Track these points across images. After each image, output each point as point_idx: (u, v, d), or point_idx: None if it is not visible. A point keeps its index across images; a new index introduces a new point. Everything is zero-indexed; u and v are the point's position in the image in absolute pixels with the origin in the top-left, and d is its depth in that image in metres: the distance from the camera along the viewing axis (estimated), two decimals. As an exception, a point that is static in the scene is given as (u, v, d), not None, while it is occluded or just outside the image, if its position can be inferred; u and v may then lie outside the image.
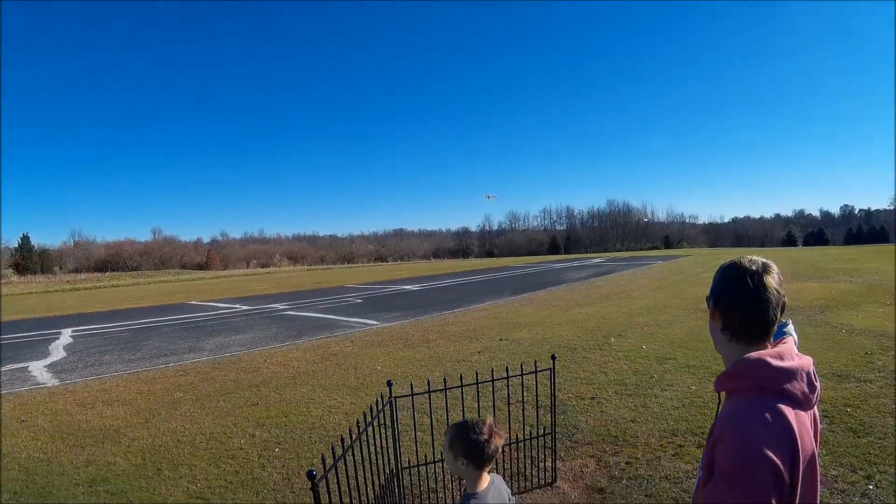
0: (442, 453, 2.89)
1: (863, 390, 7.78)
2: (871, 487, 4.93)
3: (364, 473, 3.93)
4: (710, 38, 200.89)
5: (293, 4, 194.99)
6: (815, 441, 1.74)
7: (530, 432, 5.88)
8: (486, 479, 2.74)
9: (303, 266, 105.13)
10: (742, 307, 1.76)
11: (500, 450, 2.82)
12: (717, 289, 1.85)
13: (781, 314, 1.81)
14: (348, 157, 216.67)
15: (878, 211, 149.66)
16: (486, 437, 2.66)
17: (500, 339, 13.09)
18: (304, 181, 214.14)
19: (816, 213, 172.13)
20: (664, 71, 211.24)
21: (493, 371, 5.48)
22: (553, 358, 5.48)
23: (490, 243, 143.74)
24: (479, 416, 3.00)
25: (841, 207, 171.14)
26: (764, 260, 1.81)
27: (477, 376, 5.17)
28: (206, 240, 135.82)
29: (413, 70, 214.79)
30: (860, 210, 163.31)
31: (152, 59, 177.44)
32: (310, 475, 2.81)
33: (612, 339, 12.36)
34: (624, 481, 5.37)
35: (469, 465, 2.67)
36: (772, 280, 1.75)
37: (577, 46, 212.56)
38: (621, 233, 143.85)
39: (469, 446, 2.65)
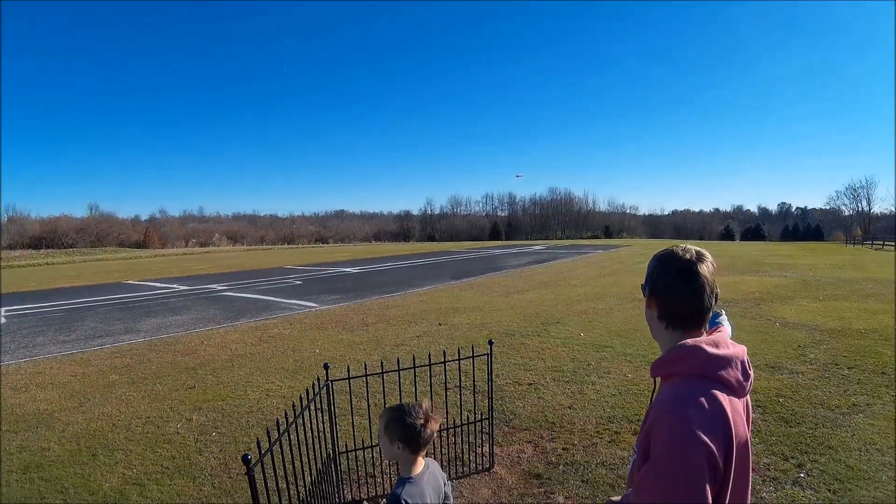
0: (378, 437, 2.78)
1: (795, 381, 8.04)
2: (802, 476, 5.11)
3: (301, 458, 3.89)
4: (660, 32, 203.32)
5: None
6: (748, 428, 1.75)
7: (468, 417, 5.96)
8: (421, 463, 2.74)
9: (242, 246, 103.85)
10: (677, 295, 1.79)
11: (436, 434, 2.83)
12: (653, 277, 1.88)
13: (716, 302, 1.84)
14: (290, 136, 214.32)
15: (813, 209, 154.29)
16: (421, 421, 2.66)
17: (440, 324, 13.21)
18: (244, 159, 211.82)
19: (755, 210, 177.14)
20: (608, 64, 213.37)
21: (430, 356, 5.51)
22: (490, 343, 5.56)
23: (432, 227, 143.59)
24: (416, 400, 2.99)
25: (779, 205, 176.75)
26: (697, 248, 1.85)
27: (414, 360, 5.20)
28: (144, 217, 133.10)
29: (356, 52, 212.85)
30: (797, 208, 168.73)
31: (90, 32, 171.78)
32: (244, 460, 2.77)
33: (551, 326, 12.55)
34: (561, 467, 5.46)
35: (404, 449, 2.66)
36: (705, 268, 1.79)
37: (519, 31, 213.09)
38: (562, 221, 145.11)
39: (405, 430, 2.64)
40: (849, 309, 14.10)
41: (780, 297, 16.29)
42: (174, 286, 25.80)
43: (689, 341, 1.74)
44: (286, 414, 3.71)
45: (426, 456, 2.86)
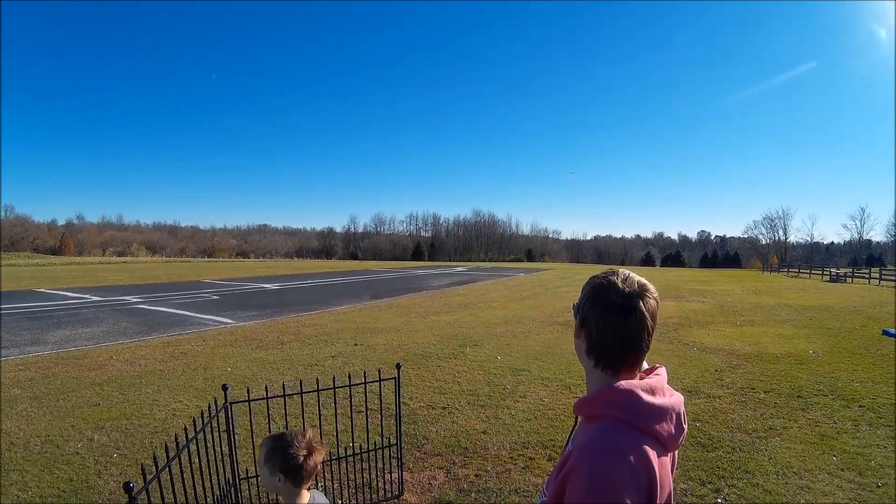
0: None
1: (712, 405, 8.27)
2: (719, 501, 5.20)
3: (201, 483, 3.83)
4: (584, 58, 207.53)
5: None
6: (671, 476, 1.59)
7: (376, 443, 5.78)
8: (305, 496, 2.57)
9: (161, 257, 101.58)
10: (611, 333, 1.57)
11: (320, 466, 2.64)
12: (586, 307, 1.63)
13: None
14: (214, 146, 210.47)
15: (732, 238, 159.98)
16: (304, 452, 2.49)
17: (356, 344, 13.19)
18: (166, 167, 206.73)
19: (675, 237, 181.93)
20: (532, 91, 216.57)
21: (334, 379, 5.49)
22: (398, 366, 5.57)
23: (355, 245, 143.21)
24: (300, 428, 2.85)
25: (698, 233, 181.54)
26: (640, 280, 1.63)
27: (318, 383, 5.11)
28: (61, 221, 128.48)
29: (280, 62, 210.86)
30: (716, 236, 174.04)
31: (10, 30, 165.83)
32: (126, 488, 2.51)
33: (468, 349, 12.64)
34: (473, 494, 5.41)
35: (286, 482, 2.49)
36: (649, 305, 1.58)
37: (447, 54, 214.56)
38: (486, 243, 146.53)
39: (286, 461, 2.46)
40: (765, 334, 14.73)
41: (697, 323, 16.86)
42: (87, 296, 25.08)
43: (623, 384, 1.55)
44: (176, 438, 3.59)
45: (311, 488, 2.66)
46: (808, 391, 9.05)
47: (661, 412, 1.53)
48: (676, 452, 1.68)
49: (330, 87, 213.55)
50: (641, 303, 1.56)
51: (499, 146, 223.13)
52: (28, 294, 26.39)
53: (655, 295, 1.62)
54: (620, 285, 1.58)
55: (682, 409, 1.63)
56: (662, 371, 1.71)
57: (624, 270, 1.65)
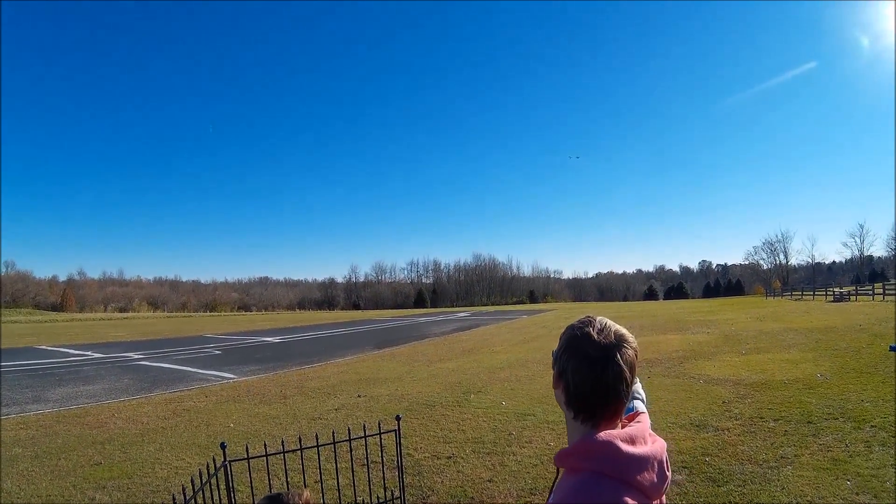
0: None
1: (721, 438, 8.13)
2: None
3: None
4: (577, 99, 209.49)
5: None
6: None
7: (379, 497, 5.76)
8: None
9: (163, 312, 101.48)
10: (588, 385, 1.54)
11: None
12: (563, 359, 1.61)
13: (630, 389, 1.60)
14: (214, 201, 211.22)
15: (733, 265, 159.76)
16: None
17: (359, 396, 13.10)
18: (167, 222, 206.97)
19: (676, 269, 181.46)
20: (526, 134, 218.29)
21: (334, 433, 5.41)
22: (398, 419, 5.53)
23: (356, 295, 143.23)
24: (298, 488, 2.68)
25: (699, 262, 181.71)
26: (617, 330, 1.60)
27: (317, 438, 5.09)
28: (62, 278, 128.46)
29: (278, 121, 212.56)
30: (717, 265, 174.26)
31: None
32: None
33: (472, 396, 12.51)
34: None
35: None
36: (626, 356, 1.55)
37: (445, 103, 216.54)
38: (487, 287, 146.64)
39: None
40: (771, 361, 14.58)
41: (702, 354, 16.73)
42: (88, 353, 25.05)
43: (602, 435, 1.51)
44: (174, 499, 3.51)
45: None
46: (818, 415, 8.95)
47: (642, 462, 1.50)
48: (664, 498, 1.64)
49: (326, 141, 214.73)
50: (618, 354, 1.53)
51: (496, 190, 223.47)
52: (29, 351, 26.43)
53: (634, 345, 1.59)
54: (596, 337, 1.56)
55: (665, 455, 1.59)
56: (644, 418, 1.70)
57: (601, 319, 1.63)
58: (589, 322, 1.61)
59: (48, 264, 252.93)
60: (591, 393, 1.54)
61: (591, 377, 1.52)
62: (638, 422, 1.65)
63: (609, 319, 1.64)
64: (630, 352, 1.56)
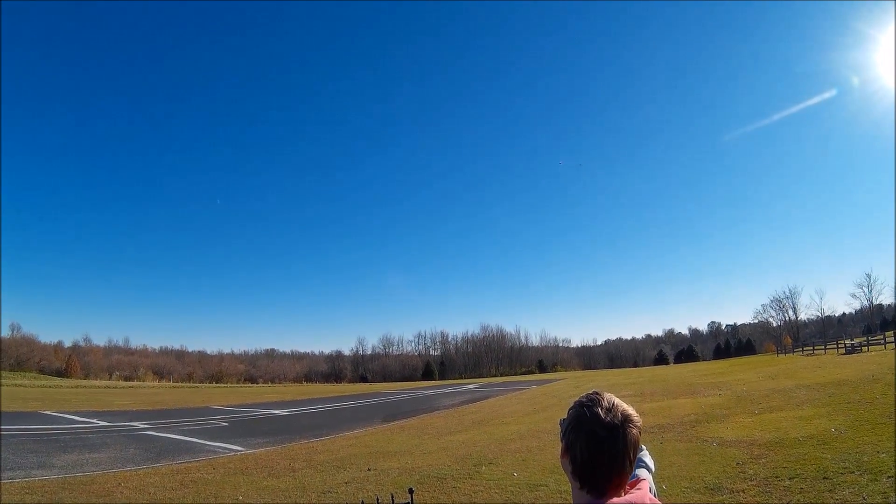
0: None
1: (736, 500, 8.02)
2: None
3: None
4: (582, 169, 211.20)
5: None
6: None
7: None
8: None
9: (169, 382, 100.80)
10: (594, 461, 1.66)
11: None
12: (570, 433, 1.74)
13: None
14: (221, 272, 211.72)
15: (742, 325, 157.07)
16: None
17: (369, 469, 12.88)
18: (174, 292, 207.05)
19: (686, 331, 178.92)
20: (529, 204, 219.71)
21: None
22: (410, 491, 5.46)
23: (363, 367, 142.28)
24: None
25: (708, 324, 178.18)
26: (624, 409, 1.72)
27: None
28: (67, 343, 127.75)
29: (285, 196, 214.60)
30: (727, 325, 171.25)
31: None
32: None
33: (483, 467, 12.31)
34: None
35: None
36: (631, 435, 1.68)
37: (449, 176, 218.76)
38: (496, 357, 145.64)
39: None
40: (784, 419, 14.35)
41: (715, 417, 16.50)
42: (94, 421, 24.79)
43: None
44: None
45: None
46: (834, 470, 8.81)
47: None
48: None
49: (332, 218, 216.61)
50: (624, 433, 1.67)
51: (503, 261, 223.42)
52: (34, 416, 26.29)
53: (638, 423, 1.73)
54: (602, 414, 1.68)
55: None
56: (644, 484, 1.81)
57: (608, 398, 1.74)
58: (597, 401, 1.74)
59: (54, 329, 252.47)
60: (597, 467, 1.66)
61: (598, 453, 1.66)
62: (639, 489, 1.75)
63: (616, 397, 1.78)
64: (635, 430, 1.70)
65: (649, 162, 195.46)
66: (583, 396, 1.79)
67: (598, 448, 1.65)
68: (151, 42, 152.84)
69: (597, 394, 1.77)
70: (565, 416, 1.81)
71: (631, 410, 1.73)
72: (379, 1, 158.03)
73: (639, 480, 1.85)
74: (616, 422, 1.67)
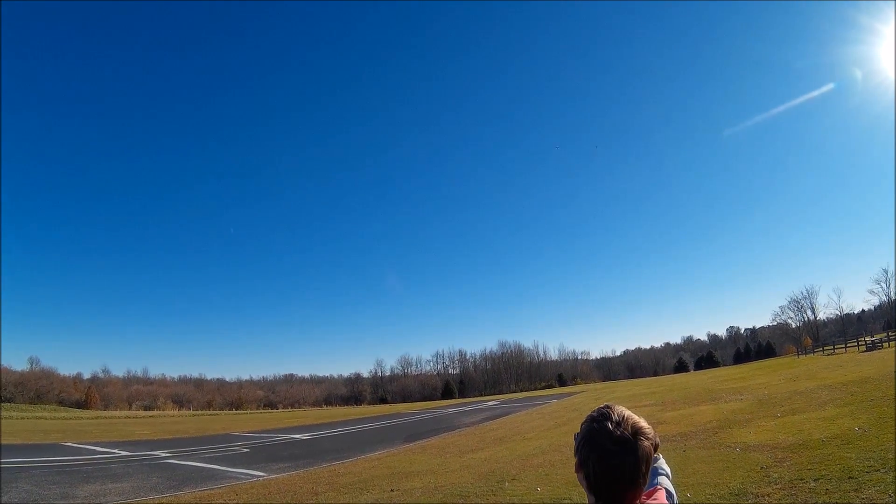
0: None
1: None
2: None
3: None
4: (596, 184, 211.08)
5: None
6: None
7: None
8: None
9: (188, 410, 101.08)
10: (607, 475, 1.70)
11: None
12: (582, 448, 1.78)
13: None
14: (238, 300, 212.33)
15: (762, 328, 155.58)
16: None
17: (392, 490, 12.82)
18: (192, 321, 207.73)
19: (704, 338, 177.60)
20: (544, 219, 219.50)
21: None
22: None
23: (383, 389, 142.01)
24: None
25: (727, 329, 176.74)
26: (635, 422, 1.74)
27: None
28: (86, 375, 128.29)
29: (304, 223, 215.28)
30: (745, 329, 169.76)
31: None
32: None
33: (507, 484, 12.22)
34: None
35: None
36: (643, 448, 1.69)
37: (466, 195, 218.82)
38: (515, 373, 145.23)
39: None
40: (807, 420, 14.18)
41: (737, 422, 16.34)
42: (115, 451, 24.79)
43: None
44: None
45: None
46: (859, 470, 8.67)
47: None
48: None
49: (350, 241, 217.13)
50: (635, 446, 1.69)
51: (519, 277, 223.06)
52: (56, 447, 26.28)
53: (650, 435, 1.75)
54: (612, 427, 1.71)
55: None
56: (660, 494, 1.87)
57: (619, 411, 1.77)
58: (607, 415, 1.76)
59: (72, 361, 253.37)
60: (611, 482, 1.70)
61: (611, 467, 1.69)
62: (654, 499, 1.81)
63: (627, 409, 1.81)
64: (647, 443, 1.73)
65: (654, 164, 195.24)
66: (594, 411, 1.83)
67: (610, 463, 1.68)
68: (152, 46, 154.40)
69: (607, 407, 1.80)
70: (579, 431, 1.84)
71: (643, 423, 1.75)
72: (378, 1, 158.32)
73: (655, 490, 1.88)
74: (626, 435, 1.69)
